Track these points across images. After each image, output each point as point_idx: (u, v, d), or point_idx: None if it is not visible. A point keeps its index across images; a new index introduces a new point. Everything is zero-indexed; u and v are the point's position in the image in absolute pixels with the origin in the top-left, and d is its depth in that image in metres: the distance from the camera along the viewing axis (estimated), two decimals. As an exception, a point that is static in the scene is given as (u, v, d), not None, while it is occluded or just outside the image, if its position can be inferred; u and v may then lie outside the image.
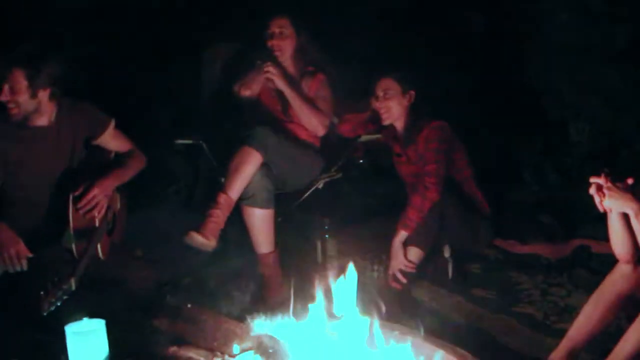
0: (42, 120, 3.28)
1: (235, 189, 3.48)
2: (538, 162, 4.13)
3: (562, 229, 3.90)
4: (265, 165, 3.56)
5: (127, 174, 3.45)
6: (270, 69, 3.77)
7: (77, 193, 3.22)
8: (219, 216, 3.43)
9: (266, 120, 3.81)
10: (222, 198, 3.46)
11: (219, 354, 2.56)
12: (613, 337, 2.54)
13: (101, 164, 3.46)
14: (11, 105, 3.17)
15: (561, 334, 2.72)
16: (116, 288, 3.16)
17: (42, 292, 2.75)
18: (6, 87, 3.15)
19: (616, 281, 2.59)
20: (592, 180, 2.48)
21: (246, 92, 3.86)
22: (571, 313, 3.10)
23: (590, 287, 2.75)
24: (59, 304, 2.78)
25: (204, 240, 3.35)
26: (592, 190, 2.47)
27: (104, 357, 2.87)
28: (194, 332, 2.67)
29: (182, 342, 2.63)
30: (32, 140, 3.29)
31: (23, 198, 3.32)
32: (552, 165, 4.17)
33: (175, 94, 3.98)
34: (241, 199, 3.52)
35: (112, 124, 3.49)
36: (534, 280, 3.51)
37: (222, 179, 3.55)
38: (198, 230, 3.36)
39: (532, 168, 4.20)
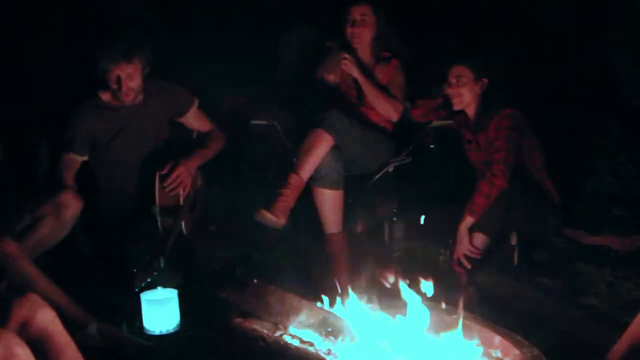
0: (132, 101, 3.45)
1: (306, 170, 3.56)
2: (613, 152, 4.04)
3: (634, 222, 3.82)
4: (336, 148, 3.63)
5: (209, 153, 3.60)
6: (347, 57, 3.82)
7: (163, 172, 3.38)
8: (289, 195, 3.52)
9: (340, 103, 3.87)
10: (293, 178, 3.55)
11: (281, 327, 2.66)
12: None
13: (184, 144, 3.60)
14: (128, 92, 3.36)
15: (625, 327, 2.68)
16: (189, 260, 3.30)
17: (134, 270, 2.91)
18: (123, 75, 3.32)
19: None
20: None
21: (330, 77, 3.92)
22: (637, 308, 3.06)
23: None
24: (149, 280, 2.93)
25: (274, 219, 3.45)
26: None
27: (175, 324, 3.04)
28: (259, 306, 2.77)
29: (247, 314, 2.73)
30: (121, 119, 3.46)
31: (110, 176, 3.50)
32: (628, 157, 4.07)
33: (252, 75, 4.06)
34: (312, 179, 3.60)
35: (196, 103, 3.63)
36: (601, 272, 3.48)
37: (294, 160, 3.64)
38: (269, 208, 3.45)
39: (607, 159, 4.11)
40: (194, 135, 3.72)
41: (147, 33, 3.54)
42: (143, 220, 3.39)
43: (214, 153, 3.64)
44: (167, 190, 3.38)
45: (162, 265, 2.98)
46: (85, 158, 3.47)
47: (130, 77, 3.35)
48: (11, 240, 2.84)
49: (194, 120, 3.68)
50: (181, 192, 3.42)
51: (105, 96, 3.48)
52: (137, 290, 2.91)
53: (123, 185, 3.51)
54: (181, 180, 3.42)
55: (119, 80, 3.33)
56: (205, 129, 3.71)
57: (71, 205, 3.16)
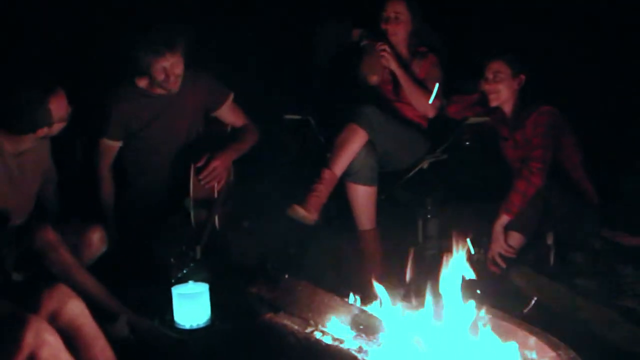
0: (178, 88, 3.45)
1: (339, 165, 3.53)
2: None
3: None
4: (370, 143, 3.60)
5: (244, 147, 3.60)
6: (385, 48, 3.79)
7: (199, 164, 3.38)
8: (322, 191, 3.49)
9: (375, 98, 3.84)
10: (326, 173, 3.52)
11: (312, 323, 2.63)
12: None
13: (219, 137, 3.60)
14: (176, 80, 3.37)
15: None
16: (221, 255, 3.30)
17: (172, 260, 2.92)
18: (168, 65, 3.32)
19: None
20: None
21: (372, 79, 3.86)
22: (677, 311, 3.00)
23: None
24: (185, 271, 2.94)
25: (306, 214, 3.43)
26: None
27: (206, 319, 3.04)
28: (290, 302, 2.75)
29: (278, 310, 2.72)
30: (156, 107, 3.47)
31: (142, 167, 3.51)
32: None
33: (286, 68, 4.05)
34: (345, 175, 3.57)
35: (231, 96, 3.63)
36: (640, 274, 3.41)
37: (328, 155, 3.61)
38: (301, 203, 3.43)
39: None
40: (229, 129, 3.72)
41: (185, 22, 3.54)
42: (174, 213, 3.39)
43: (248, 147, 3.64)
44: (202, 183, 3.38)
45: (198, 255, 2.98)
46: (120, 144, 3.49)
47: (175, 66, 3.36)
48: (52, 229, 2.86)
49: (229, 114, 3.68)
50: (216, 185, 3.43)
51: (142, 82, 3.48)
52: (173, 280, 2.92)
53: (155, 176, 3.53)
54: (217, 173, 3.42)
55: (165, 71, 3.34)
56: (239, 123, 3.70)
57: (95, 245, 3.09)
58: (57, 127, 2.92)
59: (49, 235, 2.83)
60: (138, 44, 3.34)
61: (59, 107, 2.88)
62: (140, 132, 3.49)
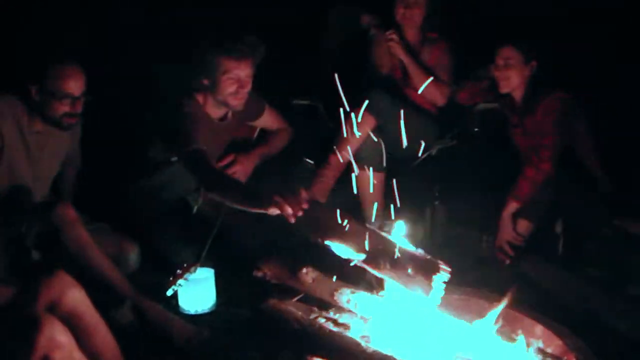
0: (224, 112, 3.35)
1: (347, 151, 3.51)
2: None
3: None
4: (378, 129, 3.57)
5: (270, 151, 3.56)
6: (393, 37, 3.75)
7: (221, 163, 3.35)
8: (328, 176, 3.48)
9: (384, 84, 3.80)
10: (333, 159, 3.51)
11: (316, 310, 2.63)
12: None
13: (246, 139, 3.58)
14: (244, 95, 3.20)
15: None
16: (227, 240, 3.29)
17: (171, 278, 2.90)
18: (242, 76, 3.17)
19: None
20: None
21: (383, 69, 3.85)
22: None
23: None
24: (182, 286, 2.93)
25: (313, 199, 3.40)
26: None
27: (212, 303, 3.03)
28: (295, 287, 2.75)
29: (283, 295, 2.71)
30: (216, 131, 3.34)
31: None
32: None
33: (295, 52, 4.02)
34: (353, 161, 3.54)
35: (266, 108, 3.56)
36: (651, 264, 3.36)
37: (336, 140, 3.58)
38: (308, 189, 3.41)
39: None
40: (256, 133, 3.68)
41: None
42: (185, 208, 3.37)
43: (276, 151, 3.59)
44: None
45: (196, 272, 2.97)
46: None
47: (248, 78, 3.19)
48: (71, 206, 2.89)
49: (265, 122, 3.63)
50: None
51: (201, 99, 3.29)
52: (167, 295, 2.92)
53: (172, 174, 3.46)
54: (236, 177, 3.38)
55: (239, 81, 3.16)
56: (275, 127, 3.65)
57: (131, 267, 3.09)
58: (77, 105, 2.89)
59: (69, 211, 2.85)
60: (216, 45, 3.16)
61: (70, 80, 2.86)
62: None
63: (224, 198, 2.93)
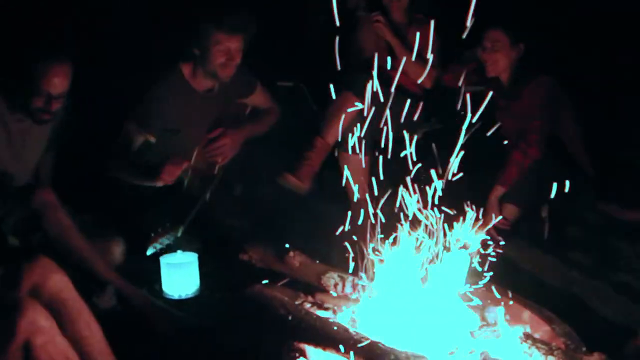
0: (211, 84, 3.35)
1: (332, 134, 3.49)
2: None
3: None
4: (363, 112, 3.53)
5: (258, 129, 3.53)
6: (380, 19, 3.71)
7: (210, 135, 3.34)
8: (314, 159, 3.45)
9: (370, 67, 3.76)
10: (318, 142, 3.48)
11: (302, 295, 2.60)
12: None
13: (236, 115, 3.55)
14: (233, 67, 3.22)
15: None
16: (210, 225, 3.25)
17: (152, 234, 2.87)
18: (232, 48, 3.19)
19: None
20: None
21: (366, 53, 3.80)
22: (672, 285, 2.98)
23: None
24: (163, 246, 2.90)
25: (298, 183, 3.39)
26: None
27: (195, 288, 2.99)
28: (282, 271, 2.72)
29: (269, 280, 2.67)
30: (193, 105, 3.34)
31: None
32: (667, 128, 3.94)
33: (278, 35, 3.97)
34: (338, 144, 3.52)
35: (259, 86, 3.54)
36: (635, 249, 3.38)
37: (321, 123, 3.55)
38: (293, 172, 3.39)
39: (644, 130, 3.98)
40: (247, 110, 3.64)
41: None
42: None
43: (264, 129, 3.57)
44: (206, 155, 3.31)
45: (179, 234, 2.94)
46: (153, 140, 3.30)
47: (238, 52, 3.22)
48: (51, 190, 2.85)
49: (256, 100, 3.61)
50: (219, 161, 3.36)
51: (187, 70, 3.31)
52: (148, 254, 2.88)
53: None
54: (224, 150, 3.37)
55: (228, 53, 3.19)
56: (264, 106, 3.63)
57: (116, 260, 3.02)
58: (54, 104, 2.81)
59: (49, 195, 2.81)
60: (209, 17, 3.17)
61: (56, 78, 2.76)
62: (173, 132, 3.32)
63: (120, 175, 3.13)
